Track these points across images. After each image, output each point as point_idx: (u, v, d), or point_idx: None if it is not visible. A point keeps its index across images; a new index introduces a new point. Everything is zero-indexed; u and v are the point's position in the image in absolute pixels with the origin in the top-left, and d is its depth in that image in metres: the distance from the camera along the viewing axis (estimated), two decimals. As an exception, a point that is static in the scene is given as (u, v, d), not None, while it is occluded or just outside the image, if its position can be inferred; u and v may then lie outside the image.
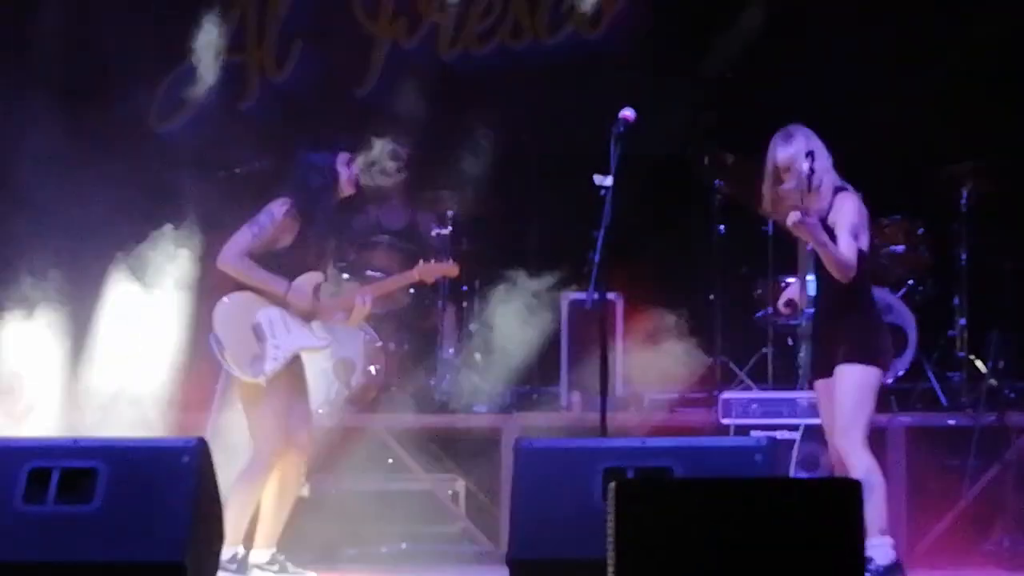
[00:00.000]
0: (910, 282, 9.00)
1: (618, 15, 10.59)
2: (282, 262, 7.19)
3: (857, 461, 6.57)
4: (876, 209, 8.92)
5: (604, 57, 10.42)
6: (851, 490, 4.09)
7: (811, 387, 6.94)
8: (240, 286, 7.17)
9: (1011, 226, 9.13)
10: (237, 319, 7.16)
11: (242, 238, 7.16)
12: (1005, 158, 9.03)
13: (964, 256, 8.99)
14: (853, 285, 6.70)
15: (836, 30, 9.82)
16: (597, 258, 6.67)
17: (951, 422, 8.63)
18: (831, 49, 9.81)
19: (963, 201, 8.99)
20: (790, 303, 7.22)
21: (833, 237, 6.64)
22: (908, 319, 8.78)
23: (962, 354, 8.96)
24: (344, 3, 10.83)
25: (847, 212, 6.74)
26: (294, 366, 7.18)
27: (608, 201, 6.69)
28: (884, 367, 6.88)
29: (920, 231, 9.08)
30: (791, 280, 7.36)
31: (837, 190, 6.80)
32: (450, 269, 7.77)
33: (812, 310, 6.83)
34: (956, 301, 9.04)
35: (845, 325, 6.73)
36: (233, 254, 7.14)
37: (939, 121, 9.52)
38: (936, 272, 9.11)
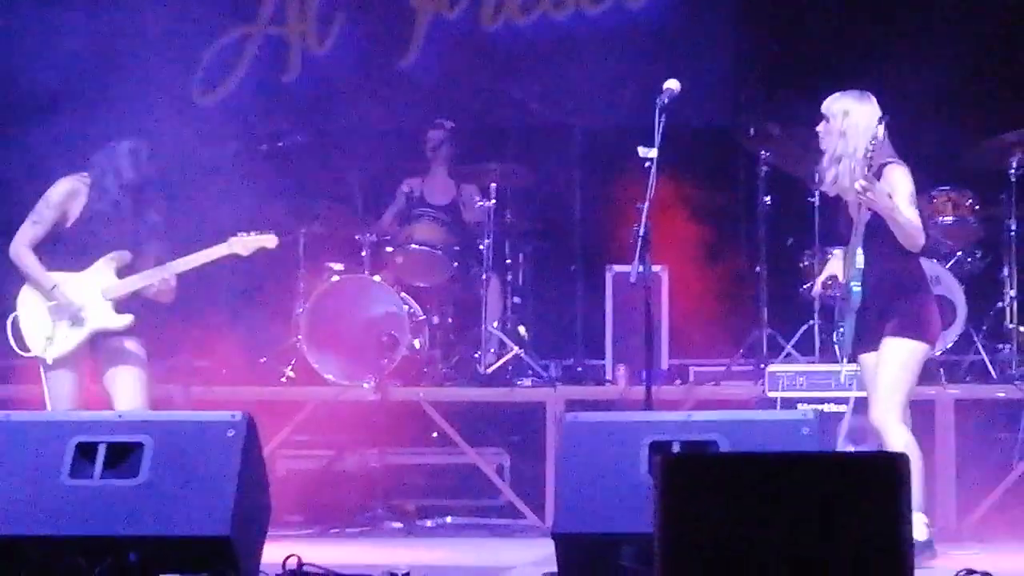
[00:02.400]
0: (959, 253, 8.96)
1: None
2: (72, 239, 7.31)
3: (894, 437, 6.54)
4: (924, 180, 8.93)
5: (647, 27, 10.39)
6: (900, 465, 4.08)
7: (852, 360, 6.91)
8: None
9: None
10: (36, 301, 7.30)
11: (23, 232, 7.33)
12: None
13: (1013, 227, 8.94)
14: (905, 259, 6.68)
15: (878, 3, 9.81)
16: (642, 231, 6.67)
17: (1000, 394, 8.59)
18: (878, 19, 9.78)
19: (1012, 171, 8.93)
20: (832, 279, 7.16)
21: None
22: (956, 291, 8.74)
23: (1011, 326, 8.91)
24: (386, -26, 10.85)
25: (901, 182, 6.70)
26: (98, 343, 7.29)
27: (652, 173, 6.69)
28: (932, 343, 6.86)
29: (969, 202, 9.03)
30: (836, 252, 7.32)
31: (886, 164, 6.78)
32: (267, 240, 7.57)
33: (859, 283, 6.77)
34: (1005, 272, 8.98)
35: (896, 299, 6.69)
36: (15, 246, 7.33)
37: (987, 90, 9.47)
38: (985, 243, 9.06)
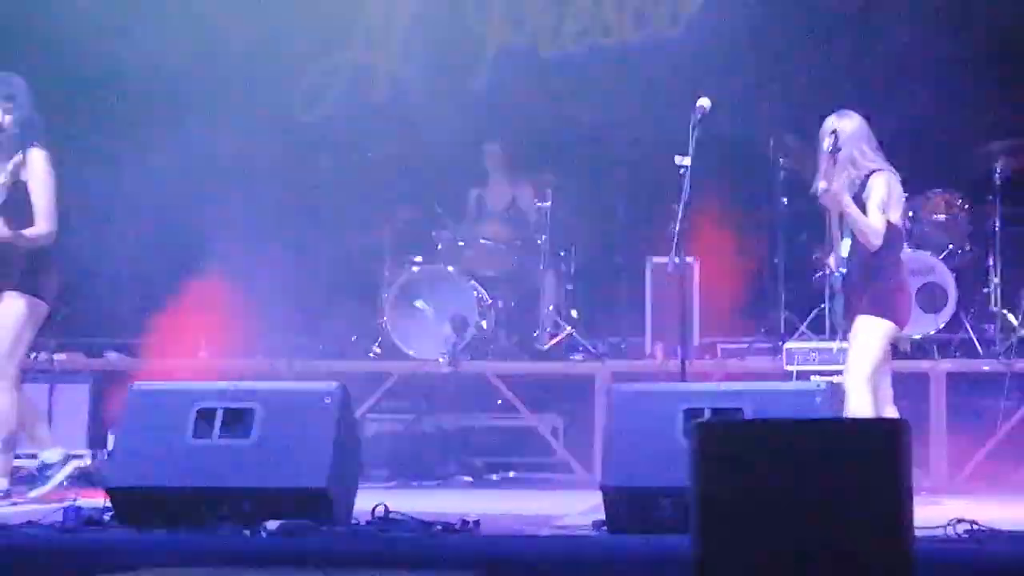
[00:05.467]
0: (950, 246, 8.88)
1: (694, 17, 10.52)
2: None
3: (854, 401, 6.50)
4: (921, 183, 8.89)
5: (682, 53, 10.33)
6: (900, 428, 4.04)
7: (845, 337, 6.86)
8: None
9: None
10: None
11: None
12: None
13: (997, 224, 8.87)
14: (880, 251, 6.63)
15: (880, 30, 9.74)
16: (678, 227, 6.65)
17: (986, 368, 8.53)
18: (879, 43, 9.72)
19: (996, 176, 8.88)
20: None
21: (866, 212, 6.59)
22: (948, 279, 8.67)
23: (995, 308, 8.85)
24: (459, 9, 10.83)
25: (876, 189, 6.67)
26: None
27: (687, 178, 6.67)
28: (899, 324, 6.77)
29: (959, 202, 8.96)
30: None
31: (872, 171, 6.72)
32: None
33: (845, 269, 6.71)
34: (990, 263, 8.91)
35: (871, 283, 6.65)
36: None
37: (976, 104, 9.38)
38: (973, 238, 8.98)
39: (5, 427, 6.91)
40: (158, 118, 8.76)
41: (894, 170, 6.81)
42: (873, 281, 6.66)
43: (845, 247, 6.65)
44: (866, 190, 6.69)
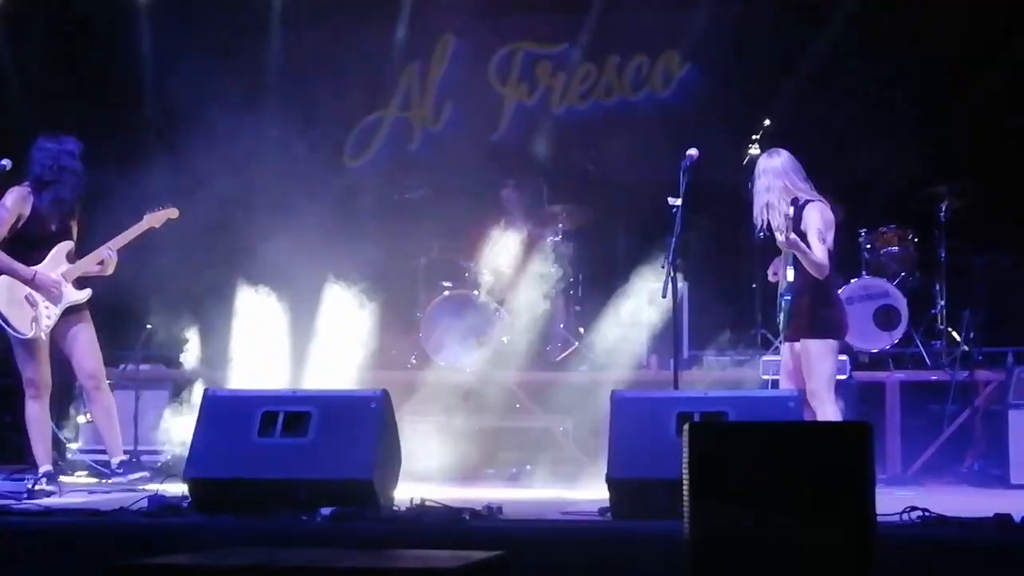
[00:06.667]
0: (903, 274, 8.85)
1: (683, 78, 10.54)
2: (27, 235, 6.83)
3: (824, 414, 6.31)
4: (877, 220, 8.89)
5: (674, 109, 10.37)
6: (864, 430, 4.03)
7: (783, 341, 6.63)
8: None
9: (978, 232, 8.97)
10: (12, 293, 6.85)
11: None
12: (971, 180, 8.87)
13: (943, 254, 8.86)
14: (820, 279, 6.44)
15: (843, 90, 9.76)
16: (670, 258, 6.63)
17: (934, 378, 8.49)
18: (844, 100, 9.74)
19: (941, 214, 8.86)
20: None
21: (805, 240, 6.38)
22: (901, 301, 8.63)
23: (942, 327, 8.81)
24: (482, 72, 10.86)
25: (813, 220, 6.44)
26: (64, 316, 6.94)
27: (678, 216, 6.64)
28: (842, 337, 6.60)
29: (910, 236, 8.94)
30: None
31: (805, 203, 6.51)
32: (171, 212, 7.26)
33: (789, 293, 6.55)
34: (937, 288, 8.88)
35: (814, 309, 6.44)
36: None
37: (924, 152, 9.40)
38: (922, 266, 8.96)
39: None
40: (234, 165, 8.76)
41: (823, 198, 6.60)
42: (817, 307, 6.46)
43: (790, 274, 6.52)
44: (803, 221, 6.45)
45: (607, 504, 5.59)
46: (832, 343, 6.50)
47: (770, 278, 6.94)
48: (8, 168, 6.86)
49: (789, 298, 6.40)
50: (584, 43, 10.58)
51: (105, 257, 7.06)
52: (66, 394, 8.19)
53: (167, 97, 9.65)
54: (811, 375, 6.44)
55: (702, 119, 9.81)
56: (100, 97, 10.00)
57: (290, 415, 5.79)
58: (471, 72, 10.80)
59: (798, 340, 6.52)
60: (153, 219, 7.28)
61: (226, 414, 5.86)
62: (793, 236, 6.32)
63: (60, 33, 10.32)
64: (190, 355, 8.46)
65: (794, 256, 6.42)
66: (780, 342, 6.75)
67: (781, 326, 6.50)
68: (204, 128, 8.65)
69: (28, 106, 9.76)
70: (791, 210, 6.44)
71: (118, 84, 10.22)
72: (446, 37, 10.85)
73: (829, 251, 6.48)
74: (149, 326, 8.57)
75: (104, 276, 7.15)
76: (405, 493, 5.81)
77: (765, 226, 6.63)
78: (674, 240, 6.61)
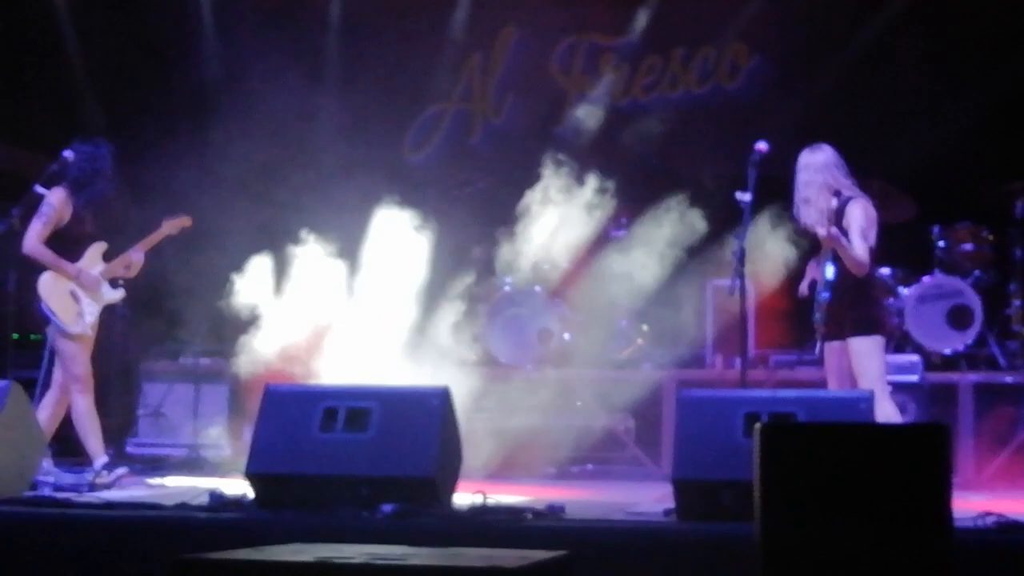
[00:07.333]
0: (977, 272, 8.73)
1: (750, 70, 10.45)
2: (68, 235, 7.02)
3: (883, 414, 6.20)
4: (952, 216, 8.76)
5: (741, 102, 10.29)
6: (940, 432, 3.97)
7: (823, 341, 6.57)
8: None
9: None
10: (57, 289, 7.01)
11: (33, 229, 6.94)
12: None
13: (1019, 252, 8.73)
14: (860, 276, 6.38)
15: (910, 82, 9.64)
16: (738, 254, 6.58)
17: (1008, 379, 8.37)
18: (915, 92, 9.61)
19: (1017, 210, 8.74)
20: (814, 283, 6.87)
21: (846, 236, 6.32)
22: (975, 301, 8.52)
23: (1017, 327, 8.68)
24: (544, 64, 10.83)
25: (856, 218, 6.39)
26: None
27: (747, 212, 6.59)
28: (886, 333, 6.54)
29: (984, 233, 8.81)
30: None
31: (848, 199, 6.47)
32: (184, 220, 7.49)
33: (828, 290, 6.47)
34: (1012, 287, 8.75)
35: (855, 306, 6.40)
36: (29, 243, 6.94)
37: (999, 149, 9.26)
38: (997, 265, 8.83)
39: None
40: (300, 163, 8.82)
41: (866, 195, 6.54)
42: (858, 305, 6.41)
43: (830, 271, 6.46)
44: (845, 217, 6.41)
45: (672, 505, 5.55)
46: (879, 339, 6.44)
47: (803, 290, 6.82)
48: (72, 160, 7.00)
49: (828, 296, 6.36)
50: (649, 35, 10.52)
51: (133, 260, 7.28)
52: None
53: (233, 92, 9.72)
54: (862, 374, 6.39)
55: (770, 112, 9.72)
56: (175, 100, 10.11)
57: (351, 411, 5.79)
58: (533, 65, 10.78)
59: (839, 339, 6.47)
60: (170, 226, 7.51)
61: (287, 409, 5.88)
62: (834, 229, 6.28)
63: (127, 47, 10.40)
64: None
65: (834, 253, 6.37)
66: (819, 342, 6.64)
67: (817, 324, 6.45)
68: (269, 119, 8.72)
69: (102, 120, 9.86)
70: (835, 202, 6.38)
71: (181, 83, 10.31)
72: (508, 28, 10.84)
73: (871, 249, 6.42)
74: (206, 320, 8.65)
75: (128, 277, 7.37)
76: (466, 490, 5.80)
77: (804, 220, 6.56)
78: (743, 236, 6.55)
